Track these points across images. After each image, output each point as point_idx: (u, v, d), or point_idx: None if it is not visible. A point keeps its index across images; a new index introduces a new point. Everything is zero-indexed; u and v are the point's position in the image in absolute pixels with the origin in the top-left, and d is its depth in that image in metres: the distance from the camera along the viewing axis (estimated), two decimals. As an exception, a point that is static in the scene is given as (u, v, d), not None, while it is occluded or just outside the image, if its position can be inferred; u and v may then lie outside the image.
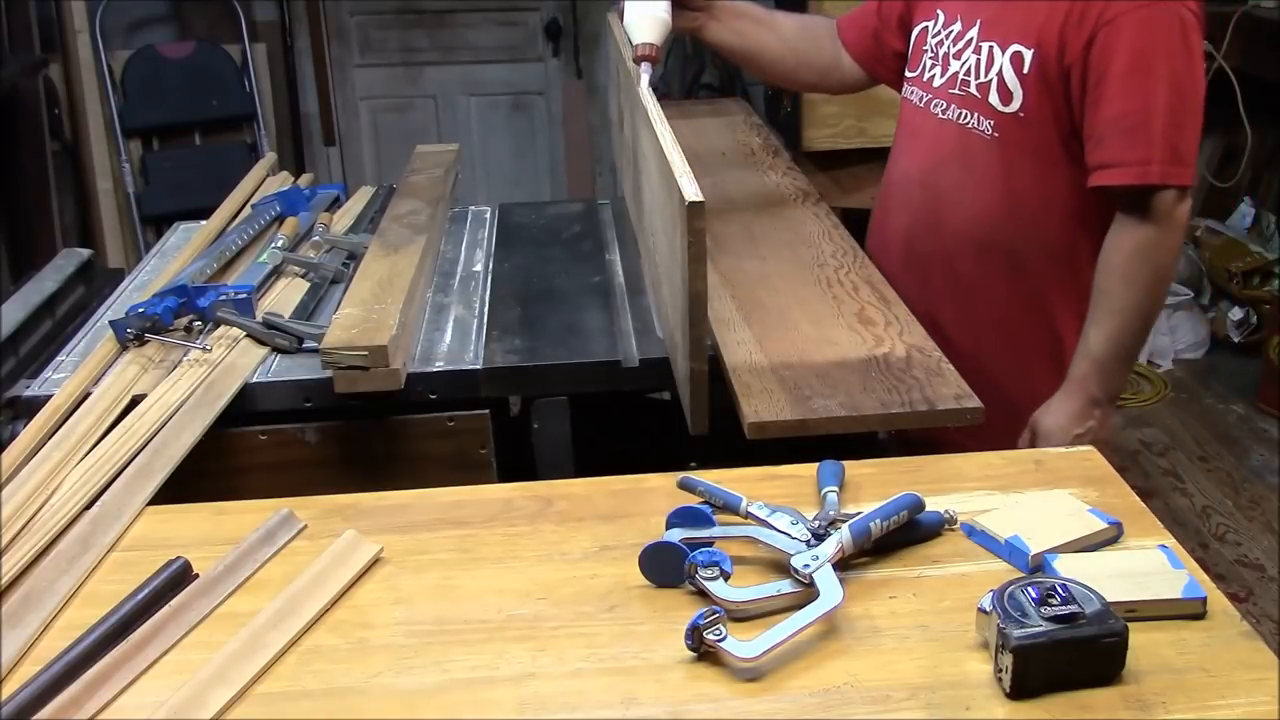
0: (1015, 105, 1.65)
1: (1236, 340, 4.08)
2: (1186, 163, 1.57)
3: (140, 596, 1.06)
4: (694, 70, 4.20)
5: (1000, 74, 1.65)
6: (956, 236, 1.75)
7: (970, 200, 1.73)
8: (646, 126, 1.56)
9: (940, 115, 1.75)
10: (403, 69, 4.45)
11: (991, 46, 1.67)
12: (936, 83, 1.76)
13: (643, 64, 1.74)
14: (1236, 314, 4.09)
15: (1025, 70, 1.62)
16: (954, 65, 1.72)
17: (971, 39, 1.71)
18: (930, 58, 1.77)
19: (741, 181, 2.27)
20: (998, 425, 1.45)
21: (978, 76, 1.69)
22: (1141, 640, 0.96)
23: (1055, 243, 1.69)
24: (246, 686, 0.97)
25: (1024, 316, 1.74)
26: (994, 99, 1.66)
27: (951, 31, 1.74)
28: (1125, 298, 1.60)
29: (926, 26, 1.80)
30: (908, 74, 1.84)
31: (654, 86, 1.69)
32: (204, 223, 2.08)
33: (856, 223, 2.04)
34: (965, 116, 1.71)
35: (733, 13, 1.93)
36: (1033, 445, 1.64)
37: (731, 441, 1.37)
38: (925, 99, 1.79)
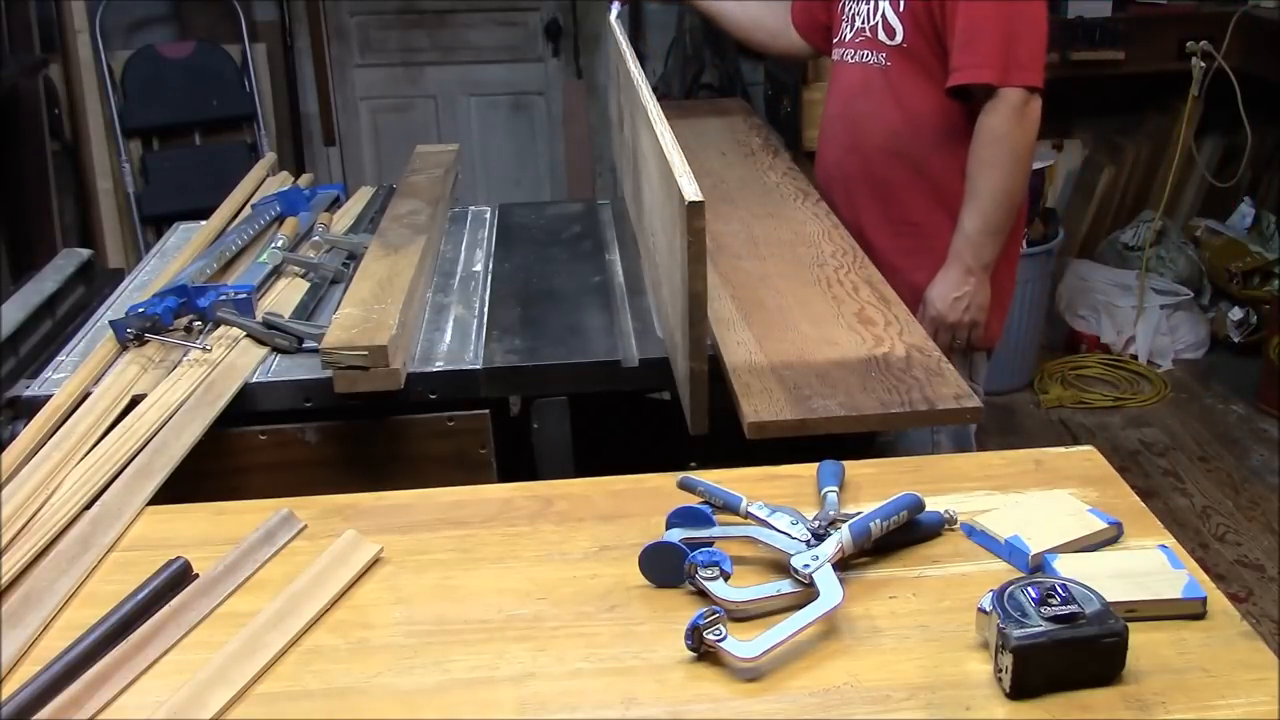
0: (898, 39, 2.01)
1: (1236, 340, 4.08)
2: (1025, 66, 1.88)
3: (140, 596, 1.06)
4: (694, 70, 4.20)
5: (883, 15, 2.02)
6: (869, 153, 2.08)
7: (875, 121, 2.07)
8: (646, 126, 1.56)
9: (850, 61, 2.12)
10: (403, 69, 4.45)
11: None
12: (846, 37, 2.12)
13: (613, 3, 2.25)
14: (1236, 314, 4.09)
15: (901, 9, 1.99)
16: (856, 20, 2.09)
17: None
18: (844, 20, 2.14)
19: (741, 181, 2.27)
20: (913, 306, 1.73)
21: (869, 21, 2.05)
22: (1141, 640, 0.96)
23: (947, 146, 2.00)
24: (246, 686, 0.97)
25: (930, 210, 2.04)
26: (882, 36, 2.03)
27: None
28: (986, 180, 1.92)
29: None
30: (834, 40, 2.19)
31: (654, 87, 1.72)
32: (204, 223, 2.08)
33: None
34: (865, 56, 2.07)
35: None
36: (923, 316, 1.95)
37: (731, 441, 1.37)
38: (841, 53, 2.15)
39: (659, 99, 1.63)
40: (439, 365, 1.58)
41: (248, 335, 1.60)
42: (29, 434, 1.37)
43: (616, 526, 1.18)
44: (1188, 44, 3.84)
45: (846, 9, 2.13)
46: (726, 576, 1.05)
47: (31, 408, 1.47)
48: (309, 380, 1.53)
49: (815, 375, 1.46)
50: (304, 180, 2.29)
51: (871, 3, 2.04)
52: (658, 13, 4.23)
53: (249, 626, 1.03)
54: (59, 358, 1.65)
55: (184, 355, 1.55)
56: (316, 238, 1.94)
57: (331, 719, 0.94)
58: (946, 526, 1.16)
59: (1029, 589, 0.96)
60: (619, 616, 1.05)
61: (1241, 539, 3.08)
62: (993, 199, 1.92)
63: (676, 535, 1.11)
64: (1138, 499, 1.21)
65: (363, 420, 1.54)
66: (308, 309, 1.72)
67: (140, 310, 1.60)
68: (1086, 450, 1.31)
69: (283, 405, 1.53)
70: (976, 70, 1.89)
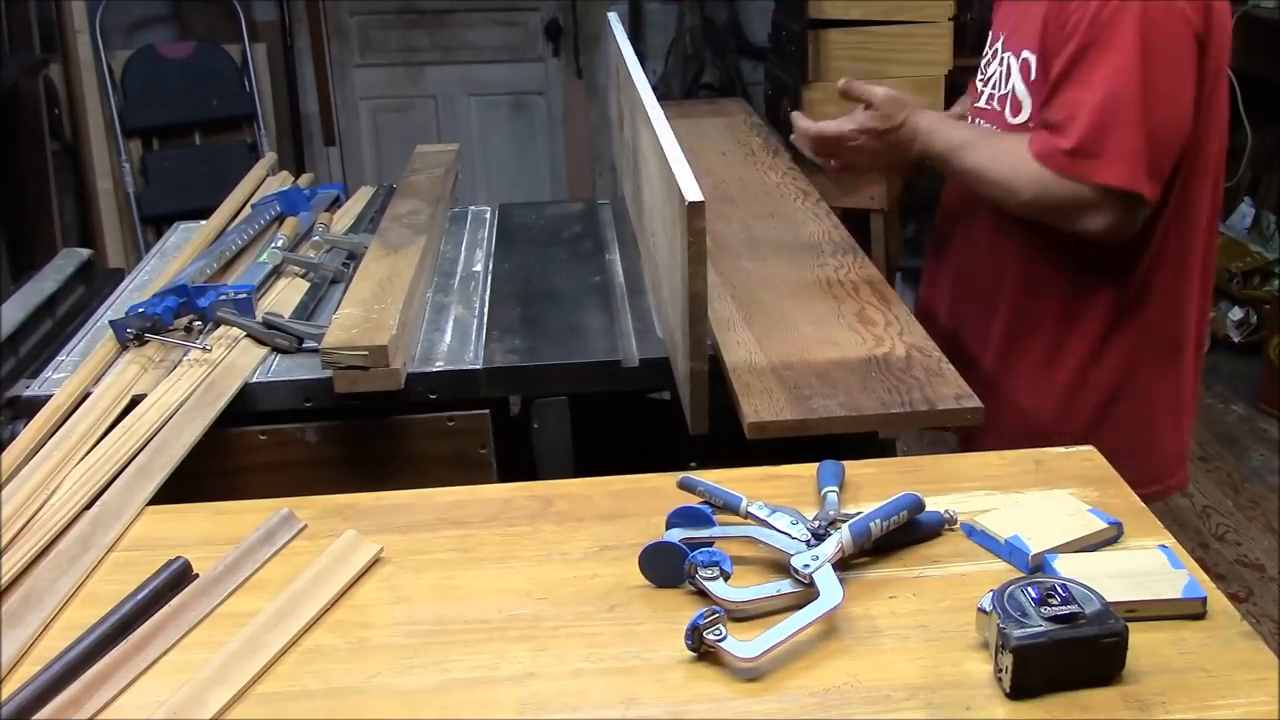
0: (1024, 116, 1.60)
1: (1236, 340, 4.08)
2: (1109, 159, 1.45)
3: (140, 596, 1.06)
4: (694, 70, 4.20)
5: (1013, 86, 1.61)
6: (994, 261, 1.69)
7: (996, 223, 1.67)
8: (646, 126, 1.56)
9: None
10: (403, 69, 4.45)
11: (1009, 56, 1.63)
12: (980, 103, 1.72)
13: None
14: (1236, 314, 4.09)
15: (1032, 77, 1.57)
16: (989, 86, 1.69)
17: (997, 49, 1.68)
18: (980, 80, 1.74)
19: (741, 181, 2.27)
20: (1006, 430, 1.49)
21: (999, 89, 1.66)
22: (1141, 640, 0.96)
23: (1078, 255, 1.60)
24: (246, 686, 0.97)
25: (1066, 330, 1.65)
26: (1007, 113, 1.63)
27: (993, 49, 1.70)
28: (1010, 198, 1.55)
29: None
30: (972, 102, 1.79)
31: (654, 87, 1.70)
32: (204, 223, 2.08)
33: (856, 222, 2.06)
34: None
35: None
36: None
37: (731, 441, 1.37)
38: (973, 119, 1.73)
39: (659, 99, 1.62)
40: (439, 365, 1.58)
41: (248, 335, 1.60)
42: (29, 434, 1.37)
43: (616, 526, 1.18)
44: (1188, 44, 3.84)
45: (985, 69, 1.72)
46: (726, 576, 1.05)
47: (31, 408, 1.47)
48: (309, 380, 1.52)
49: (815, 375, 1.46)
50: (304, 180, 2.29)
51: (1005, 64, 1.64)
52: (658, 13, 4.23)
53: (249, 626, 1.03)
54: (59, 358, 1.65)
55: (184, 355, 1.55)
56: (316, 238, 1.94)
57: (331, 719, 0.94)
58: (946, 526, 1.16)
59: (1029, 589, 0.96)
60: (619, 616, 1.05)
61: (1241, 539, 3.08)
62: (977, 173, 1.59)
63: (676, 535, 1.11)
64: (1138, 499, 1.21)
65: (363, 420, 1.54)
66: (308, 309, 1.72)
67: (140, 310, 1.60)
68: (1086, 450, 1.31)
69: (283, 405, 1.53)
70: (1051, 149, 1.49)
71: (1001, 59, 1.66)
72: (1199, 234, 1.62)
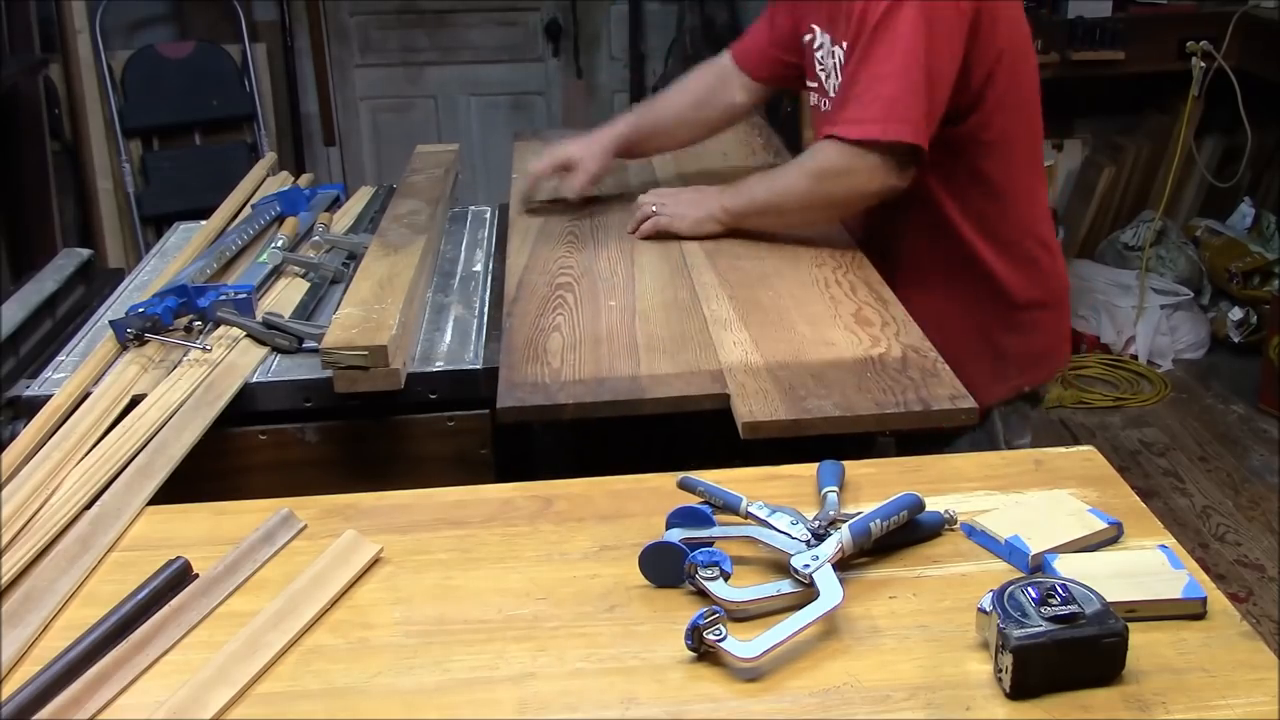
0: None
1: (1236, 340, 4.08)
2: (904, 119, 1.67)
3: (140, 596, 1.06)
4: (694, 70, 4.20)
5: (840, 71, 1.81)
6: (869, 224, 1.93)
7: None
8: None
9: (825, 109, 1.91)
10: (403, 69, 4.45)
11: (836, 49, 1.82)
12: (828, 93, 1.89)
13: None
14: (1236, 314, 4.09)
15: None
16: (831, 76, 1.86)
17: (825, 44, 1.86)
18: (820, 69, 1.91)
19: (741, 181, 2.26)
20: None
21: (837, 78, 1.84)
22: (1141, 640, 0.96)
23: (933, 211, 1.83)
24: (246, 686, 0.97)
25: (949, 262, 1.86)
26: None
27: (821, 44, 1.88)
28: (797, 188, 1.82)
29: (810, 39, 1.92)
30: (809, 83, 1.97)
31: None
32: (204, 223, 2.08)
33: (855, 223, 2.05)
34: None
35: (641, 138, 2.14)
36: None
37: (731, 441, 1.37)
38: (820, 100, 1.94)
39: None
40: (439, 365, 1.58)
41: (248, 335, 1.60)
42: (29, 434, 1.37)
43: (616, 526, 1.18)
44: (1188, 44, 3.85)
45: (822, 58, 1.90)
46: (726, 576, 1.05)
47: (31, 408, 1.47)
48: (309, 380, 1.52)
49: (811, 375, 1.46)
50: (304, 180, 2.29)
51: (836, 56, 1.82)
52: (658, 13, 4.23)
53: (249, 626, 1.03)
54: (59, 358, 1.65)
55: (184, 355, 1.55)
56: (316, 238, 1.94)
57: (331, 719, 0.94)
58: (946, 526, 1.16)
59: (1029, 589, 0.96)
60: (619, 616, 1.05)
61: (1241, 539, 3.09)
62: (785, 201, 1.86)
63: (676, 535, 1.11)
64: (1138, 499, 1.21)
65: (363, 420, 1.54)
66: (308, 309, 1.72)
67: (140, 310, 1.60)
68: (1086, 450, 1.31)
69: (283, 405, 1.53)
70: (857, 126, 1.70)
71: (831, 51, 1.84)
72: (1018, 163, 1.86)
